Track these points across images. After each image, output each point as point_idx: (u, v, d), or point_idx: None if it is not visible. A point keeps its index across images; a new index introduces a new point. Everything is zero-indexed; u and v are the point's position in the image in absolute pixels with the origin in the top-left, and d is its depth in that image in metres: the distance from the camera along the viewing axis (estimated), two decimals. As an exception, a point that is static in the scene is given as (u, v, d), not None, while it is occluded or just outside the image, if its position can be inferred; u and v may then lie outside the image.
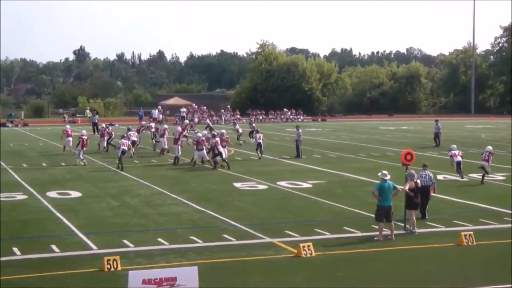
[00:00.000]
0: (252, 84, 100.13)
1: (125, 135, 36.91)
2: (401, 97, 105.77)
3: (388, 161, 35.47)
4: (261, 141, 38.33)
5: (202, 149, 33.55)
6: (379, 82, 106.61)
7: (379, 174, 18.72)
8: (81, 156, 34.78)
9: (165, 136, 39.38)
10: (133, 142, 38.53)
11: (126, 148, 33.97)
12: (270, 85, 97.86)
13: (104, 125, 44.37)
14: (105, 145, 41.31)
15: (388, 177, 18.47)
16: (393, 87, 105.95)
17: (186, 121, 53.29)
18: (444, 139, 45.29)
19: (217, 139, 33.63)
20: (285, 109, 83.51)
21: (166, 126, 41.65)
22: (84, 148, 35.23)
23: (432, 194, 21.32)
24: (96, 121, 56.76)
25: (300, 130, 39.34)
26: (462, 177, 29.72)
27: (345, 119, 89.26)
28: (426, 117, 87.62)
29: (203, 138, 34.21)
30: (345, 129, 65.49)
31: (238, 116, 79.46)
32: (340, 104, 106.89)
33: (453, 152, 30.43)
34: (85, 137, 35.46)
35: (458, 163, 30.16)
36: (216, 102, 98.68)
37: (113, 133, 42.07)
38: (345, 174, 31.16)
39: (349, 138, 52.76)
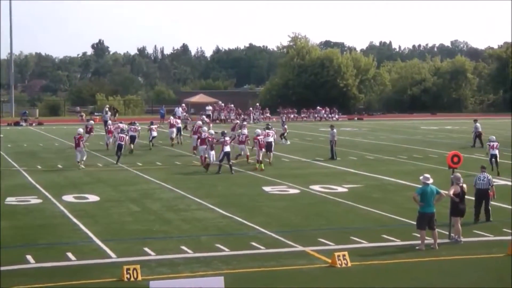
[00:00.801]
0: (283, 80, 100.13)
1: (124, 129, 39.41)
2: (445, 94, 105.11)
3: (431, 164, 35.25)
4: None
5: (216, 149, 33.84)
6: (421, 78, 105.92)
7: (421, 177, 18.61)
8: (77, 159, 34.58)
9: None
10: (132, 137, 40.17)
11: (122, 143, 36.04)
12: (302, 81, 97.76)
13: (110, 123, 46.96)
14: (109, 141, 42.43)
15: (431, 181, 18.35)
16: (436, 83, 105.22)
17: (237, 121, 53.38)
18: (486, 139, 44.72)
19: (227, 138, 33.75)
20: (318, 107, 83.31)
21: (200, 123, 41.69)
22: (79, 147, 34.39)
23: (491, 201, 21.55)
24: (108, 119, 56.89)
25: (335, 130, 39.18)
26: (497, 174, 29.88)
27: (383, 118, 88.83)
28: (472, 116, 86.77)
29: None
30: (383, 128, 65.21)
31: (268, 114, 79.47)
32: (379, 101, 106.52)
33: (491, 143, 30.85)
34: (77, 136, 34.71)
35: (493, 156, 30.50)
36: (244, 99, 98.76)
37: (124, 129, 40.73)
38: (384, 178, 31.02)
39: (388, 139, 52.50)
